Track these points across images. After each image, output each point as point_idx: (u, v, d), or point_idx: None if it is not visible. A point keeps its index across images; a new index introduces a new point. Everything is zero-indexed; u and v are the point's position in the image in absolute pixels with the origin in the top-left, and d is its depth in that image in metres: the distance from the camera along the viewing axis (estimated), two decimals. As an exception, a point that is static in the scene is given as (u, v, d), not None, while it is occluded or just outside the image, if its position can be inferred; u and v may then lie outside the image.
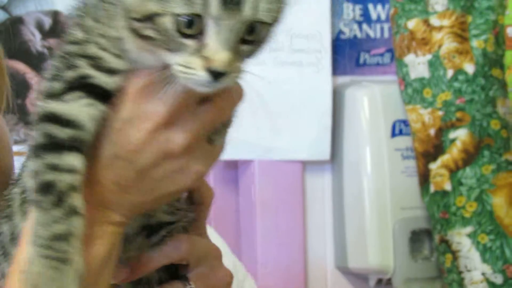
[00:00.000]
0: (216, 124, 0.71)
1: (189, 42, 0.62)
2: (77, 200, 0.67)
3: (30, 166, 0.70)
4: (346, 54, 1.82)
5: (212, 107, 0.69)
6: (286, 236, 1.71)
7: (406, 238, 1.69)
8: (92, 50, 0.67)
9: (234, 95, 0.71)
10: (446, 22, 1.70)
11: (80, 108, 0.67)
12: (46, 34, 1.63)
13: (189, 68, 0.63)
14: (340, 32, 1.81)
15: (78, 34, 0.68)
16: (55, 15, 1.63)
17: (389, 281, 1.71)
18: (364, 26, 1.83)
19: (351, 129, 1.74)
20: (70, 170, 0.67)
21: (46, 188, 0.67)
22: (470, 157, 1.68)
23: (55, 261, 0.66)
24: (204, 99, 0.68)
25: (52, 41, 1.64)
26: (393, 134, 1.72)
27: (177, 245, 0.77)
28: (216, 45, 0.62)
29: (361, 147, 1.72)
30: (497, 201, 1.66)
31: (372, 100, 1.72)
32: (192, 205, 0.80)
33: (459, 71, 1.69)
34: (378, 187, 1.69)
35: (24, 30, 1.61)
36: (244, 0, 0.61)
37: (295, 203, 1.73)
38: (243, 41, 0.63)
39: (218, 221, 1.59)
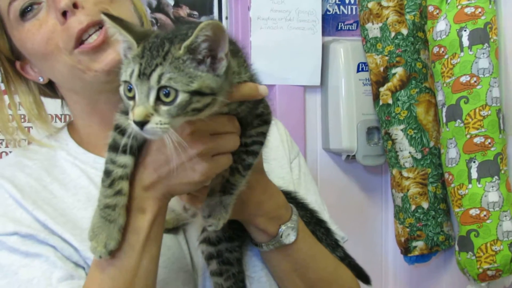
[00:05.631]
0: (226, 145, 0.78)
1: (131, 102, 0.66)
2: (123, 185, 0.76)
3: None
4: (330, 23, 2.06)
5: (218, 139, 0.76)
6: (295, 130, 1.86)
7: (364, 131, 2.01)
8: None
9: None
10: (391, 4, 1.94)
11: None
12: (153, 10, 1.86)
13: (129, 121, 0.66)
14: (327, 10, 2.06)
15: None
16: (159, -2, 1.82)
17: (353, 157, 2.02)
18: (341, 6, 2.08)
19: (333, 67, 2.01)
20: (122, 166, 0.77)
21: (107, 173, 0.77)
22: (403, 84, 1.94)
23: (104, 219, 0.77)
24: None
25: (157, 15, 1.84)
26: (358, 71, 2.01)
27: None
28: (136, 103, 0.64)
29: (339, 78, 2.00)
30: (419, 110, 1.95)
31: (346, 51, 2.01)
32: None
33: (398, 33, 1.93)
34: (349, 102, 1.99)
35: (140, 7, 1.59)
36: (152, 73, 0.63)
37: (299, 110, 1.99)
38: (163, 103, 0.64)
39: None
